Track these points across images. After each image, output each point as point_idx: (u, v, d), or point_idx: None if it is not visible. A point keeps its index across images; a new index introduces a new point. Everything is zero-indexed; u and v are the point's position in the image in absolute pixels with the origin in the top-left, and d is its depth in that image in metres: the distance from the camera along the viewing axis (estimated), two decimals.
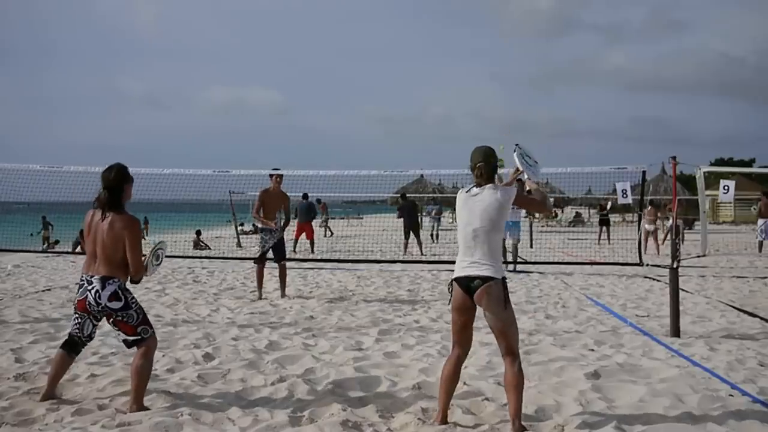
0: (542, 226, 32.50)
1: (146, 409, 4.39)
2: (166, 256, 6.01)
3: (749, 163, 62.31)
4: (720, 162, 59.37)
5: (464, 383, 5.04)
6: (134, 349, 4.50)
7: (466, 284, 4.01)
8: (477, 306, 4.05)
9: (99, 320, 4.55)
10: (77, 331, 4.52)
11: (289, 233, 25.24)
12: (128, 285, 4.52)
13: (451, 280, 4.14)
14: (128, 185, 4.55)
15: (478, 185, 4.15)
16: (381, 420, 4.30)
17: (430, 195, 30.56)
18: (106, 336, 6.71)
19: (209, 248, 20.20)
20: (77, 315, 4.51)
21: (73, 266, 13.97)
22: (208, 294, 9.88)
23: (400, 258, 15.70)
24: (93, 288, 4.39)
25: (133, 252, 4.39)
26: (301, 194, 19.13)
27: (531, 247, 20.06)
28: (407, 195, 20.74)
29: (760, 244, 17.74)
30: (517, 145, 4.45)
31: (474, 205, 4.07)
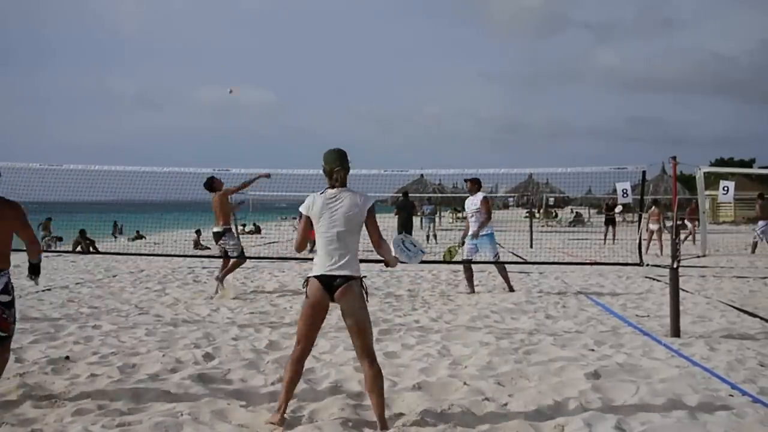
0: (542, 226, 32.52)
1: None
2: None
3: (749, 164, 62.30)
4: (720, 162, 59.39)
5: (464, 383, 5.05)
6: None
7: (328, 282, 4.12)
8: (329, 306, 4.19)
9: None
10: None
11: (291, 233, 25.13)
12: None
13: (307, 278, 4.23)
14: None
15: (332, 187, 4.25)
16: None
17: (427, 195, 30.61)
18: (106, 336, 6.72)
19: (209, 248, 20.19)
20: None
21: (73, 266, 13.97)
22: (208, 294, 9.87)
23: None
24: None
25: (26, 229, 4.45)
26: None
27: (531, 247, 20.09)
28: (408, 194, 21.08)
29: (754, 244, 17.84)
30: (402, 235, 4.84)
31: (334, 209, 4.18)
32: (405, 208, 19.04)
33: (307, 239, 4.42)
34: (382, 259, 4.40)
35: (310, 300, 4.16)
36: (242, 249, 10.06)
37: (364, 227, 4.26)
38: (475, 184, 10.05)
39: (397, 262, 4.41)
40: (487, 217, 9.91)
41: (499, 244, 21.25)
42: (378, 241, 4.29)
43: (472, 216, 9.93)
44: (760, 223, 17.84)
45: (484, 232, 9.88)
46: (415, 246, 4.65)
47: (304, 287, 4.22)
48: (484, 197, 10.04)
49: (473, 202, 9.95)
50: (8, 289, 4.27)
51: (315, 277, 4.16)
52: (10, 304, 4.29)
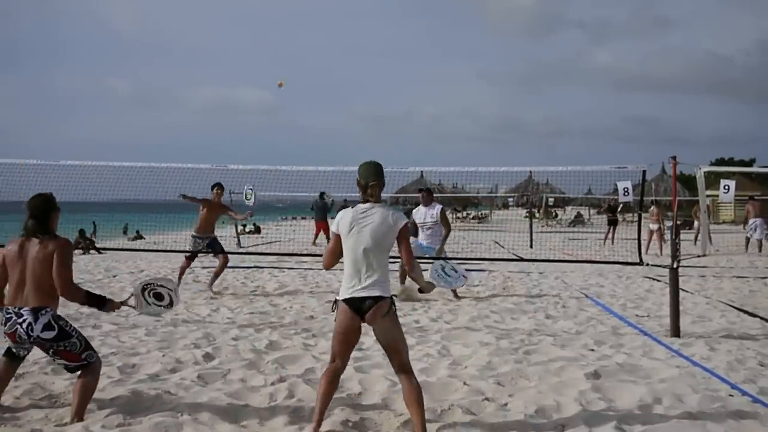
0: (542, 226, 32.53)
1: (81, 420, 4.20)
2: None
3: (749, 163, 62.29)
4: (720, 162, 59.36)
5: (464, 383, 5.05)
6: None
7: (356, 306, 3.95)
8: (361, 326, 4.02)
9: (31, 348, 4.36)
10: (15, 350, 4.34)
11: (304, 231, 25.11)
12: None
13: (335, 300, 4.06)
14: (55, 213, 4.37)
15: (365, 202, 4.06)
16: (381, 420, 4.30)
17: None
18: (106, 336, 6.72)
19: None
20: (11, 344, 4.28)
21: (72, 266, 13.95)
22: (208, 294, 9.87)
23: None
24: (24, 321, 4.13)
25: (61, 268, 4.19)
26: (318, 193, 19.53)
27: (531, 247, 20.10)
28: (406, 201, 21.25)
29: (760, 242, 17.85)
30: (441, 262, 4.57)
31: (363, 225, 3.97)
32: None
33: (336, 258, 4.11)
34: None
35: (340, 325, 4.00)
36: (192, 250, 10.51)
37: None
38: (431, 195, 9.99)
39: (432, 288, 4.18)
40: (448, 231, 9.67)
41: (499, 243, 21.24)
42: (410, 263, 4.08)
43: (430, 229, 9.64)
44: (754, 222, 17.92)
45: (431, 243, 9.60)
46: (456, 271, 4.43)
47: (333, 310, 4.08)
48: (443, 209, 9.86)
49: (430, 214, 9.67)
50: (51, 324, 4.15)
51: (343, 300, 3.98)
52: (62, 336, 4.18)
